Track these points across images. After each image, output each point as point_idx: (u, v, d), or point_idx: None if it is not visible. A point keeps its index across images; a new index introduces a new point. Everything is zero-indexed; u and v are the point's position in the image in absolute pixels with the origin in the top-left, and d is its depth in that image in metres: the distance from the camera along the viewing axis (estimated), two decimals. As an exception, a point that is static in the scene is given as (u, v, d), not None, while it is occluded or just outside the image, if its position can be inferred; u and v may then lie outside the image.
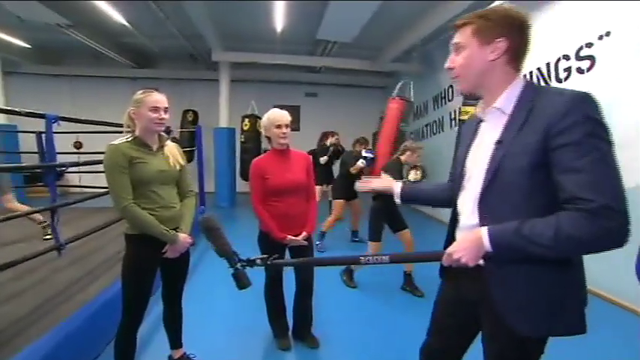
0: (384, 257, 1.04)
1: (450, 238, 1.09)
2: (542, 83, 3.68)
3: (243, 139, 6.80)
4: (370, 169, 4.30)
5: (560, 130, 0.80)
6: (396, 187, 1.30)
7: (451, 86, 6.10)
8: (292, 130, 2.08)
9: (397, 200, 1.30)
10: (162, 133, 1.64)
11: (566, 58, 3.41)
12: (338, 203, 4.36)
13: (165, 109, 1.57)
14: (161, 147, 1.63)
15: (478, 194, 0.95)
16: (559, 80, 3.51)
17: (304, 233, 2.07)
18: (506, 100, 0.93)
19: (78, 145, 7.28)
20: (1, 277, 2.23)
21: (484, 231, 0.87)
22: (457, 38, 0.96)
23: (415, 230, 3.13)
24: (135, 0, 4.53)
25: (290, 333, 2.30)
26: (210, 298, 2.85)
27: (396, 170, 3.08)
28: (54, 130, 2.33)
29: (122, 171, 1.47)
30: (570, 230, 0.77)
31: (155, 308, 2.02)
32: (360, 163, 4.07)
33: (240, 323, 2.51)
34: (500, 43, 0.90)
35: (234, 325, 2.49)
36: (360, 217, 4.52)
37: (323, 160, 4.98)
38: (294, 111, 8.69)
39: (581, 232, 0.76)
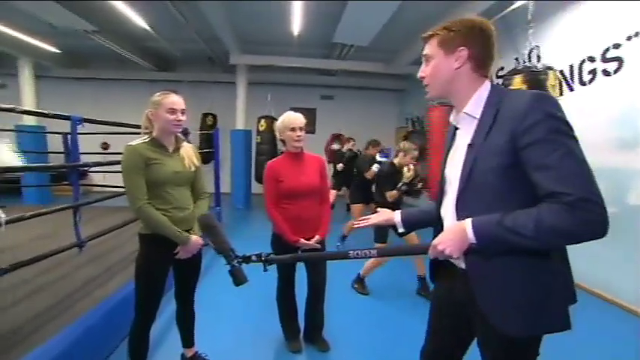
0: (372, 251, 1.06)
1: None
2: (565, 86, 3.55)
3: (259, 140, 6.80)
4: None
5: (524, 130, 0.83)
6: (396, 216, 1.28)
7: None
8: (308, 132, 2.08)
9: (400, 229, 1.27)
10: (179, 135, 1.67)
11: (591, 59, 3.27)
12: (356, 208, 4.33)
13: (183, 111, 1.60)
14: (177, 148, 1.66)
15: (455, 197, 0.98)
16: (583, 83, 3.38)
17: (317, 237, 2.07)
18: (475, 104, 0.96)
19: (105, 146, 7.56)
20: (25, 273, 2.32)
21: (468, 222, 0.89)
22: (425, 49, 1.02)
23: (420, 232, 3.07)
24: (155, 0, 4.63)
25: (301, 336, 2.30)
26: (222, 299, 2.87)
27: (388, 175, 3.01)
28: (80, 131, 2.43)
29: (138, 172, 1.50)
30: (551, 221, 0.78)
31: (168, 307, 2.05)
32: (375, 168, 4.03)
33: (252, 325, 2.53)
34: (463, 51, 0.95)
35: (246, 327, 2.50)
36: None
37: (340, 167, 4.99)
38: (310, 114, 8.72)
39: (562, 224, 0.78)
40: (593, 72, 3.27)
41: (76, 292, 2.29)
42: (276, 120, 2.11)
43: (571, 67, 3.49)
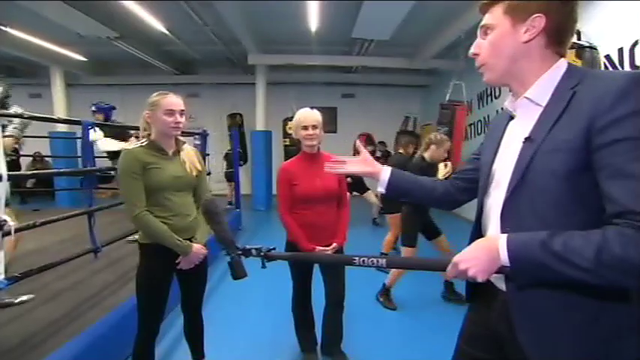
0: (380, 261, 0.90)
1: None
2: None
3: (288, 143, 6.69)
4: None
5: (609, 123, 0.63)
6: (384, 172, 1.03)
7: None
8: (328, 132, 1.93)
9: (381, 189, 1.05)
10: (179, 137, 1.58)
11: (645, 41, 2.91)
12: (394, 219, 3.55)
13: (182, 112, 1.50)
14: (177, 152, 1.56)
15: (502, 203, 0.79)
16: (636, 67, 3.02)
17: (334, 244, 1.91)
18: (541, 88, 0.75)
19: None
20: (42, 279, 2.32)
21: (502, 240, 0.70)
22: (486, 20, 0.80)
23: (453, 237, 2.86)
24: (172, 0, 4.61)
25: (318, 348, 2.16)
26: (236, 309, 2.78)
27: (420, 172, 2.74)
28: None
29: (135, 177, 1.41)
30: (621, 252, 0.59)
31: (177, 321, 1.98)
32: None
33: (267, 336, 2.42)
34: (538, 20, 0.73)
35: (261, 338, 2.40)
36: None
37: None
38: (331, 113, 8.57)
39: (635, 256, 0.58)
40: (647, 55, 2.91)
41: (89, 299, 2.26)
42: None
43: (620, 50, 3.13)
